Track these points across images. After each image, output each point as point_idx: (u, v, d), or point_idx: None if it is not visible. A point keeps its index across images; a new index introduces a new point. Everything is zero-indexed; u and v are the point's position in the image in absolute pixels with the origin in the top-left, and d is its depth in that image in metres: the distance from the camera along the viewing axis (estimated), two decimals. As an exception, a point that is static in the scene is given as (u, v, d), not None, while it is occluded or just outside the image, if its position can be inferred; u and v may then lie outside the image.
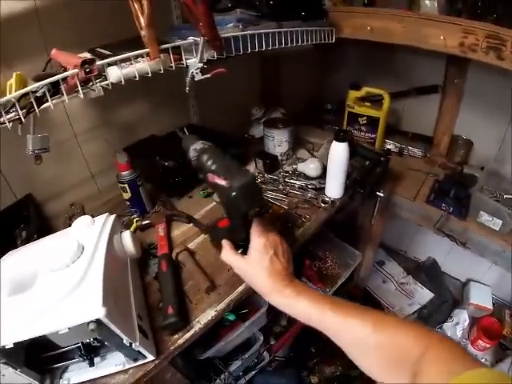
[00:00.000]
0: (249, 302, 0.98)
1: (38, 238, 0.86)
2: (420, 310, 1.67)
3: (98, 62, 0.72)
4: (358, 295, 1.64)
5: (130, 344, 0.64)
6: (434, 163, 1.38)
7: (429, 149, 1.45)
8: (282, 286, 0.61)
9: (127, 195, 0.95)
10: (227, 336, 0.92)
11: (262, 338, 1.05)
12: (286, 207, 1.00)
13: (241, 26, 0.90)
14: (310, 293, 0.59)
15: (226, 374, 0.99)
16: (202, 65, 0.82)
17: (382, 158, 1.13)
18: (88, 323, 0.57)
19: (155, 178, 1.06)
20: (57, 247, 0.71)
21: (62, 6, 0.91)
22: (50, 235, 0.80)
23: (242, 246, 0.72)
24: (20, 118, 0.69)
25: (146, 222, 0.95)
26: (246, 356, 1.03)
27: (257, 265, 0.64)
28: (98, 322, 0.57)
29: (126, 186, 0.93)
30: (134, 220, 0.94)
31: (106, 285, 0.61)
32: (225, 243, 0.71)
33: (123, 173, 0.92)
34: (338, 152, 0.94)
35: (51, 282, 0.65)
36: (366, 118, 1.37)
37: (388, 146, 1.45)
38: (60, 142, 1.00)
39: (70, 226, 0.78)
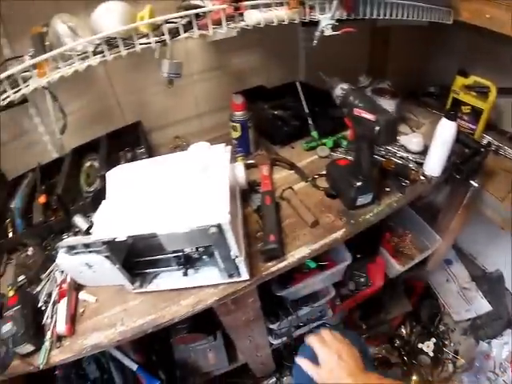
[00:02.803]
0: (329, 256, 1.04)
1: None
2: (474, 319, 1.62)
3: (246, 2, 0.79)
4: (419, 287, 1.62)
5: (235, 258, 0.71)
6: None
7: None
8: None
9: (236, 134, 1.02)
10: (305, 280, 0.98)
11: (333, 293, 1.09)
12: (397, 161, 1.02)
13: (371, -9, 0.91)
14: None
15: (294, 316, 1.05)
16: (333, 21, 0.86)
17: (482, 149, 1.09)
18: (211, 227, 0.64)
19: (261, 124, 1.12)
20: (177, 164, 0.79)
21: None
22: (166, 155, 0.87)
23: (363, 183, 0.84)
24: (165, 41, 0.77)
25: (251, 161, 1.02)
26: (316, 305, 1.09)
27: (331, 372, 0.69)
28: (219, 227, 0.64)
29: (237, 125, 1.00)
30: (239, 158, 1.01)
31: (230, 198, 0.68)
32: (301, 360, 0.76)
33: (237, 112, 1.00)
34: (446, 130, 0.93)
35: (173, 189, 0.73)
36: (469, 107, 1.31)
37: (485, 142, 1.38)
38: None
39: None
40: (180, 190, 0.73)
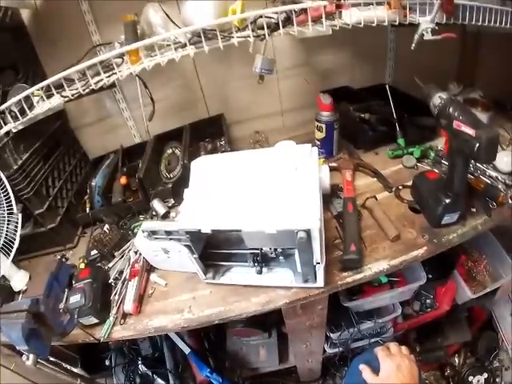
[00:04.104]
0: (400, 273, 0.99)
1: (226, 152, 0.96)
2: None
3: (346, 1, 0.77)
4: (481, 317, 1.50)
5: (316, 264, 0.70)
6: None
7: None
8: None
9: (321, 135, 1.00)
10: (375, 294, 0.95)
11: (399, 310, 1.05)
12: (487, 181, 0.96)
13: (472, -3, 0.86)
14: None
15: (356, 329, 1.03)
16: (433, 25, 0.81)
17: None
18: (300, 231, 0.63)
19: (345, 127, 1.09)
20: (262, 161, 0.78)
21: None
22: (249, 150, 0.87)
23: (451, 200, 0.79)
24: (264, 35, 0.77)
25: (333, 164, 0.99)
26: (380, 321, 1.05)
27: (387, 381, 0.72)
28: (308, 232, 0.63)
29: (323, 125, 0.98)
30: (320, 160, 0.98)
31: (320, 204, 0.67)
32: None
33: (324, 113, 0.97)
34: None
35: (261, 187, 0.73)
36: None
37: None
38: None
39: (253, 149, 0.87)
40: (268, 188, 0.72)
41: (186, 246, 0.75)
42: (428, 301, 1.15)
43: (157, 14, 0.82)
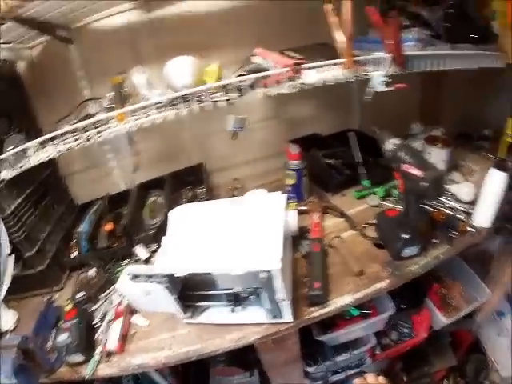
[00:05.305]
0: (372, 305, 1.03)
1: (205, 200, 1.04)
2: None
3: (305, 65, 0.86)
4: (466, 340, 1.52)
5: (280, 301, 0.75)
6: None
7: None
8: None
9: (291, 181, 1.09)
10: (347, 327, 0.98)
11: (374, 341, 1.08)
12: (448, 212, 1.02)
13: (420, 46, 0.96)
14: None
15: (332, 362, 1.05)
16: (386, 78, 0.90)
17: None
18: (262, 272, 0.69)
19: (315, 171, 1.17)
20: (235, 208, 0.86)
21: (254, 10, 1.10)
22: (225, 199, 0.95)
23: (410, 235, 0.86)
24: (229, 100, 0.87)
25: (303, 207, 1.07)
26: (355, 352, 1.08)
27: None
28: (269, 273, 0.69)
29: (292, 173, 1.07)
30: (291, 204, 1.05)
31: (283, 246, 0.73)
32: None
33: (293, 161, 1.06)
34: (495, 181, 0.92)
35: (230, 233, 0.80)
36: (525, 150, 1.27)
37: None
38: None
39: (232, 196, 0.95)
40: (238, 234, 0.79)
41: (165, 287, 0.80)
42: (405, 330, 1.18)
43: (141, 76, 0.92)
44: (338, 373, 1.14)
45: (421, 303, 1.15)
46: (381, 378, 0.80)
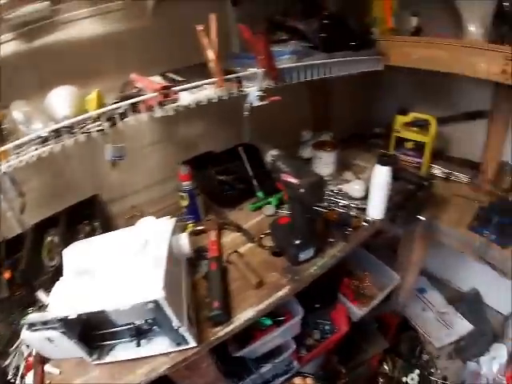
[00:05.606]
0: (286, 310, 1.06)
1: (101, 233, 1.01)
2: (457, 342, 1.64)
3: (174, 88, 0.87)
4: (394, 322, 1.62)
5: (177, 328, 0.74)
6: (481, 190, 1.35)
7: (476, 175, 1.42)
8: None
9: (185, 203, 1.08)
10: (262, 338, 0.99)
11: (294, 346, 1.10)
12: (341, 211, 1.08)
13: (295, 58, 1.00)
14: None
15: (256, 375, 1.06)
16: (260, 93, 0.93)
17: (425, 183, 1.15)
18: (147, 303, 0.68)
19: (210, 189, 1.18)
20: (124, 240, 0.84)
21: (136, 36, 1.10)
22: (116, 230, 0.93)
23: (301, 240, 0.89)
24: (103, 130, 0.85)
25: (200, 228, 1.07)
26: (277, 361, 1.09)
27: None
28: (156, 302, 0.68)
29: (185, 194, 1.06)
30: (189, 225, 1.06)
31: (166, 274, 0.72)
32: None
33: (184, 183, 1.06)
34: (380, 175, 0.99)
35: (120, 266, 0.78)
36: (412, 142, 1.40)
37: (435, 171, 1.45)
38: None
39: (131, 225, 0.93)
40: (124, 267, 0.77)
41: (62, 332, 0.76)
42: (327, 327, 1.23)
43: (19, 112, 0.86)
44: (269, 383, 1.15)
45: (334, 299, 1.20)
46: (308, 380, 0.82)
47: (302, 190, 0.79)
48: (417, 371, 1.60)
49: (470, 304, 1.72)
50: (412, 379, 1.59)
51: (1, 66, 0.98)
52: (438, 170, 1.45)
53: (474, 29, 1.11)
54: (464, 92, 1.41)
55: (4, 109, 0.89)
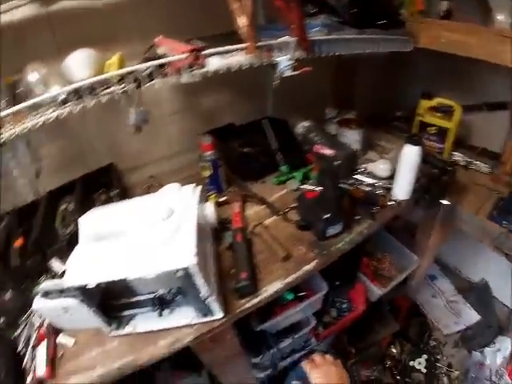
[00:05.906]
0: (308, 286, 1.04)
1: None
2: (464, 331, 1.65)
3: (205, 52, 0.83)
4: (405, 306, 1.63)
5: (205, 298, 0.72)
6: (500, 180, 1.33)
7: (496, 165, 1.40)
8: None
9: (207, 173, 1.05)
10: (284, 312, 0.98)
11: (314, 322, 1.10)
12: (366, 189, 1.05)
13: (326, 31, 0.97)
14: None
15: (275, 349, 1.05)
16: (292, 62, 0.90)
17: (449, 168, 1.14)
18: (177, 270, 0.66)
19: (232, 162, 1.16)
20: (146, 207, 0.81)
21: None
22: (137, 197, 0.90)
23: (330, 214, 0.87)
24: (127, 91, 0.81)
25: (223, 199, 1.04)
26: (297, 336, 1.08)
27: None
28: (186, 270, 0.66)
29: (207, 164, 1.03)
30: (211, 196, 1.04)
31: (198, 242, 0.70)
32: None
33: (207, 153, 1.03)
34: (410, 155, 0.96)
35: (144, 233, 0.75)
36: (435, 127, 1.37)
37: (455, 158, 1.44)
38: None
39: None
40: (147, 234, 0.74)
41: (80, 301, 0.73)
42: (344, 305, 1.22)
43: (35, 73, 0.82)
44: (286, 358, 1.15)
45: (354, 278, 1.19)
46: (327, 357, 0.82)
47: (337, 162, 0.77)
48: (424, 356, 1.62)
49: (478, 295, 1.72)
50: (419, 363, 1.60)
51: (17, 30, 0.95)
52: (458, 158, 1.43)
53: (502, 17, 1.08)
54: (487, 82, 1.38)
55: (19, 73, 0.85)
